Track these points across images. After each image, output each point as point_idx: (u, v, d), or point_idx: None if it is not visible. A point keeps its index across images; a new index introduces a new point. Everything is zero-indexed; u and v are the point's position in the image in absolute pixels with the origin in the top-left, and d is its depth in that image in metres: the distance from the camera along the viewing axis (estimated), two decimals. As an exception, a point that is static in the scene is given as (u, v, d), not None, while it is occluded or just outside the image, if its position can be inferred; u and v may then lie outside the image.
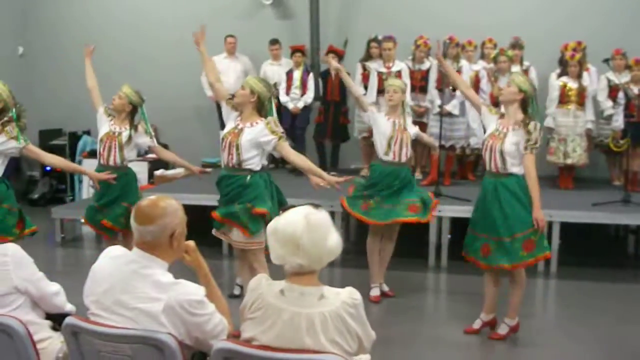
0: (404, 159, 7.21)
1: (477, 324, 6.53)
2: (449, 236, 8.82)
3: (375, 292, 7.55)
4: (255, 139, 6.21)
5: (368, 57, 11.04)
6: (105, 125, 7.33)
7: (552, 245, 8.43)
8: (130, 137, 7.17)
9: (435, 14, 11.64)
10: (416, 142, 7.64)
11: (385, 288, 7.68)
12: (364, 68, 10.94)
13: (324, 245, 3.17)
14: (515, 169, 6.02)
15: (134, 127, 7.21)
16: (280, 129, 6.30)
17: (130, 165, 7.40)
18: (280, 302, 3.15)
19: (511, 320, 6.40)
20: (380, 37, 10.82)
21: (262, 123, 6.24)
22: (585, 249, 9.48)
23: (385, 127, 7.18)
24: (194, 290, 3.26)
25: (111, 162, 7.17)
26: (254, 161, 6.29)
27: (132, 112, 7.31)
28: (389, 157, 7.18)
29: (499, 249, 6.09)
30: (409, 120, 7.43)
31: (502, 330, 6.41)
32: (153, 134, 7.38)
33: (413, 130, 7.35)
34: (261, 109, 6.35)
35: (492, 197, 6.10)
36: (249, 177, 6.27)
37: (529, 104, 6.05)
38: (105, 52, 12.98)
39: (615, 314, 7.21)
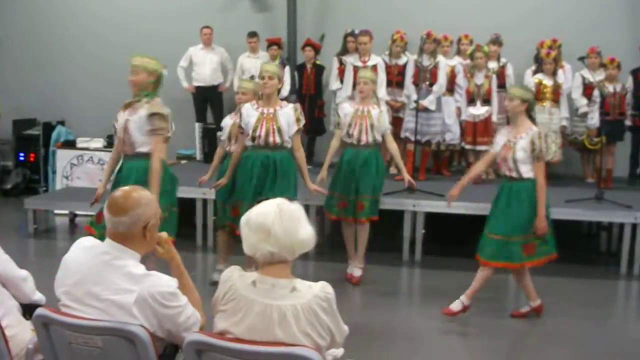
0: (363, 142, 7.60)
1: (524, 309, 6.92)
2: (423, 231, 8.83)
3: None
4: (289, 121, 6.83)
5: (344, 51, 11.04)
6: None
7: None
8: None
9: (412, 10, 11.65)
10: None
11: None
12: (341, 62, 10.94)
13: (295, 234, 3.16)
14: (530, 174, 6.39)
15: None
16: (302, 119, 6.92)
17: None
18: (252, 293, 3.14)
19: (533, 302, 6.87)
20: (356, 32, 10.82)
21: (290, 107, 6.92)
22: (558, 245, 9.51)
23: (347, 110, 7.71)
24: (166, 282, 3.24)
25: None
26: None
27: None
28: (349, 139, 7.68)
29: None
30: (384, 109, 7.79)
31: (524, 308, 6.91)
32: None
33: (385, 124, 7.70)
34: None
35: (506, 198, 6.52)
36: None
37: (532, 109, 6.59)
38: (79, 40, 12.94)
39: (585, 310, 7.28)
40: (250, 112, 6.84)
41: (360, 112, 7.57)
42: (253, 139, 6.78)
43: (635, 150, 10.67)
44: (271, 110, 6.79)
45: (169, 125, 5.93)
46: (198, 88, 11.98)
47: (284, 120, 6.76)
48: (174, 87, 12.22)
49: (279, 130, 6.74)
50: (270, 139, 6.74)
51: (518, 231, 6.41)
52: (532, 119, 6.54)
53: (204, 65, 11.92)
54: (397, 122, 10.34)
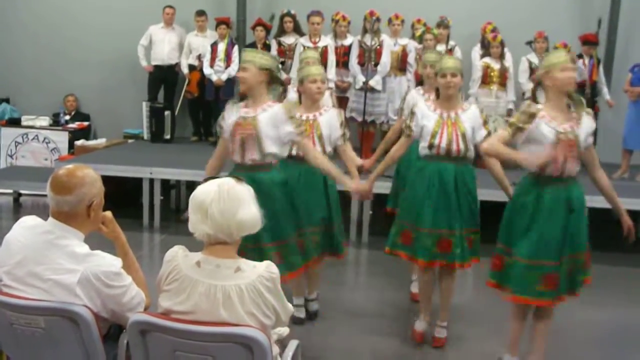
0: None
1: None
2: (371, 212, 8.87)
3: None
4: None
5: (281, 32, 10.96)
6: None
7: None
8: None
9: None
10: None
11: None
12: (280, 44, 10.86)
13: (233, 216, 3.11)
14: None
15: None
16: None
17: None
18: (196, 274, 3.13)
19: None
20: (292, 12, 10.81)
21: (278, 107, 5.10)
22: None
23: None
24: (110, 262, 3.21)
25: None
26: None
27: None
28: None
29: None
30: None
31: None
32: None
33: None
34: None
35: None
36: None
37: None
38: (27, 15, 12.69)
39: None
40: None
41: (312, 120, 5.82)
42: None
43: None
44: (251, 113, 5.09)
45: None
46: (155, 67, 11.84)
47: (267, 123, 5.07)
48: (121, 64, 12.13)
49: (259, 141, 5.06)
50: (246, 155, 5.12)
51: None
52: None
53: (162, 45, 11.77)
54: (343, 103, 10.35)
